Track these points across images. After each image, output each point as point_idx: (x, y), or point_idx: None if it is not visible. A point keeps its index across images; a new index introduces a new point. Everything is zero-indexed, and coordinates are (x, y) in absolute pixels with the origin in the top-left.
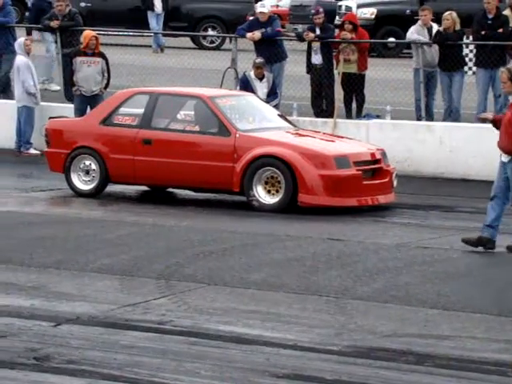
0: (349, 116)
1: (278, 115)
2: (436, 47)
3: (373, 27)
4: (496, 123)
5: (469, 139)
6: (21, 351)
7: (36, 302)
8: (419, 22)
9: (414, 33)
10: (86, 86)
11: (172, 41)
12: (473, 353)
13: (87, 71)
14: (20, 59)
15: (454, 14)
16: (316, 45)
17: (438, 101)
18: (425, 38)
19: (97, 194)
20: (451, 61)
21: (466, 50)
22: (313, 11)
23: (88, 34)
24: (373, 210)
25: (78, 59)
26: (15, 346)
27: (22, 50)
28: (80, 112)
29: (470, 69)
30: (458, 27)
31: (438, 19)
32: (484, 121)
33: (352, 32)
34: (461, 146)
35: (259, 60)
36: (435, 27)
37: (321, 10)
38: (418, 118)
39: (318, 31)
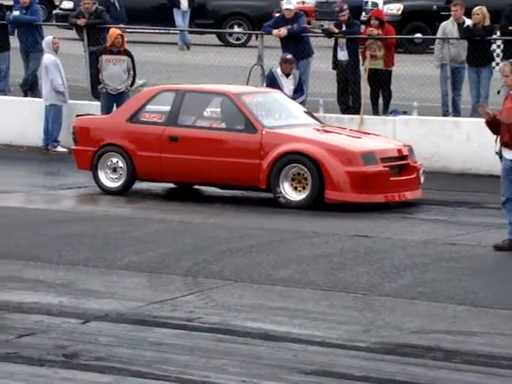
0: (375, 112)
1: (305, 112)
2: (464, 43)
3: (399, 23)
4: (494, 123)
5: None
6: (50, 348)
7: (64, 300)
8: (451, 18)
9: (441, 29)
10: (112, 84)
11: (198, 38)
12: (501, 349)
13: (113, 69)
14: (48, 58)
15: (485, 9)
16: (342, 41)
17: (465, 96)
18: (453, 34)
19: (124, 192)
20: (479, 56)
21: (493, 46)
22: (337, 9)
23: (113, 32)
24: (400, 207)
25: (104, 57)
26: (44, 343)
27: (51, 48)
28: (106, 110)
29: (497, 64)
30: (487, 22)
31: (467, 14)
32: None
33: (378, 28)
34: (488, 142)
35: (289, 56)
36: (467, 22)
37: (345, 7)
38: (445, 114)
39: (343, 27)
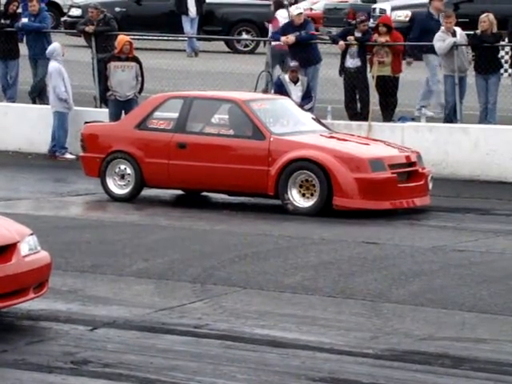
0: (384, 119)
1: (313, 118)
2: (464, 51)
3: (407, 30)
4: None
5: (505, 141)
6: (58, 355)
7: (73, 306)
8: (442, 28)
9: (439, 40)
10: (120, 91)
11: (206, 45)
12: (510, 356)
13: (121, 76)
14: (52, 65)
15: (491, 16)
16: (353, 49)
17: (473, 103)
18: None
19: (132, 199)
20: (487, 63)
21: (501, 52)
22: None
23: (122, 39)
24: (408, 213)
25: (112, 64)
26: (52, 350)
27: (59, 54)
28: (114, 117)
29: (505, 71)
30: (494, 29)
31: (474, 21)
32: None
33: (386, 34)
34: (497, 149)
35: (293, 63)
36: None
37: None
38: (446, 121)
39: (356, 34)
